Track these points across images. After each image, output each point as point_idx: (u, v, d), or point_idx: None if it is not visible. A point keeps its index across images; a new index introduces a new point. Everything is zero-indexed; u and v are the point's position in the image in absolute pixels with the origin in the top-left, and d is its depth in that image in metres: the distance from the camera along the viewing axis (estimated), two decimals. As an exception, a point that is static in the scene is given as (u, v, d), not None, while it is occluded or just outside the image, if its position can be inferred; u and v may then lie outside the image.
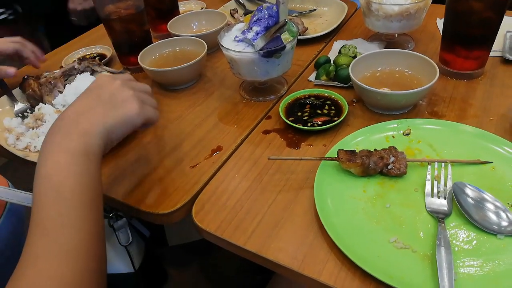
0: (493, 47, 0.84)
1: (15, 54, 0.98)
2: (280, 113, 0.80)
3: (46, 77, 0.93)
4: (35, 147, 0.78)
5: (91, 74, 0.95)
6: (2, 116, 0.88)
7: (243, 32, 0.82)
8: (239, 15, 1.24)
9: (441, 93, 0.83)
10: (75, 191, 0.50)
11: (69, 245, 0.46)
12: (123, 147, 0.79)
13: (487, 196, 0.58)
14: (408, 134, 0.73)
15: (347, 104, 0.79)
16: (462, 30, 0.83)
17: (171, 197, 0.68)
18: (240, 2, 1.29)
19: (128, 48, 1.03)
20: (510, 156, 0.65)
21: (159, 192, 0.69)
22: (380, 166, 0.64)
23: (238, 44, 0.82)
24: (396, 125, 0.74)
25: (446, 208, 0.59)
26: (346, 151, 0.65)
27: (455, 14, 0.82)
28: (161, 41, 1.01)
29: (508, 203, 0.59)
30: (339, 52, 0.96)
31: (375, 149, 0.66)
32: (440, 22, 1.06)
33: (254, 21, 0.81)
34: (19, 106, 0.92)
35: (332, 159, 0.66)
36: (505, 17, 0.79)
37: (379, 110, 0.80)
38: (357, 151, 0.66)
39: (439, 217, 0.58)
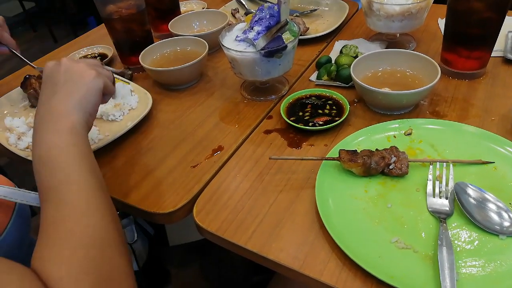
0: (495, 47, 0.84)
1: None
2: (281, 113, 0.80)
3: (47, 76, 0.92)
4: (36, 146, 0.78)
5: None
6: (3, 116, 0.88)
7: (244, 32, 0.82)
8: (240, 15, 1.24)
9: (442, 93, 0.83)
10: (75, 159, 0.54)
11: (81, 205, 0.51)
12: (123, 147, 0.80)
13: (489, 196, 0.58)
14: (410, 134, 0.72)
15: (348, 104, 0.79)
16: (463, 30, 0.83)
17: (172, 197, 0.68)
18: (241, 2, 1.29)
19: (129, 47, 1.03)
20: (512, 156, 0.65)
21: (160, 192, 0.69)
22: (381, 166, 0.64)
23: (239, 44, 0.82)
24: (397, 125, 0.74)
25: (447, 208, 0.59)
26: (347, 151, 0.65)
27: (456, 14, 0.82)
28: (162, 41, 1.01)
29: (510, 203, 0.58)
30: (341, 52, 0.96)
31: (376, 149, 0.66)
32: (441, 22, 1.06)
33: (256, 21, 0.81)
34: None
35: (333, 159, 0.66)
36: (506, 17, 0.79)
37: (380, 110, 0.80)
38: (358, 151, 0.66)
39: (441, 217, 0.57)
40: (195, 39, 0.99)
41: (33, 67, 0.95)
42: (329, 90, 0.84)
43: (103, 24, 1.03)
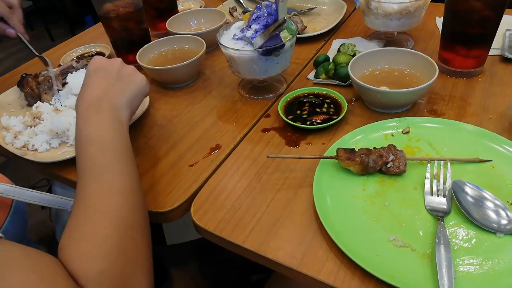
0: (492, 46, 0.84)
1: None
2: (279, 111, 0.79)
3: (44, 75, 0.92)
4: (33, 145, 0.78)
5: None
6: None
7: (242, 30, 0.82)
8: (238, 13, 1.24)
9: (440, 92, 0.83)
10: (116, 146, 0.59)
11: (117, 186, 0.54)
12: (121, 145, 0.79)
13: (487, 194, 0.58)
14: (408, 132, 0.72)
15: (346, 103, 0.79)
16: (461, 28, 0.83)
17: (170, 195, 0.67)
18: (239, 0, 1.29)
19: (126, 46, 1.02)
20: (510, 154, 0.65)
21: (157, 191, 0.69)
22: (379, 165, 0.64)
23: (237, 42, 0.81)
24: (395, 124, 0.74)
25: (445, 207, 0.59)
26: (345, 149, 0.65)
27: (454, 13, 0.82)
28: (159, 39, 1.01)
29: (507, 202, 0.59)
30: (338, 50, 0.96)
31: (374, 148, 0.66)
32: (439, 21, 1.06)
33: (253, 19, 0.81)
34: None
35: (331, 157, 0.66)
36: (504, 15, 0.79)
37: (378, 108, 0.80)
38: (356, 150, 0.66)
39: (439, 215, 0.57)
40: (193, 37, 0.99)
41: (38, 56, 0.94)
42: (327, 89, 0.84)
43: (100, 22, 1.03)
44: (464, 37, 0.83)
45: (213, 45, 1.04)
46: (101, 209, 0.51)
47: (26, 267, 0.42)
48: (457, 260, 0.52)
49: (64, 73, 0.95)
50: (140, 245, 0.53)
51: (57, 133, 0.79)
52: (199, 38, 0.97)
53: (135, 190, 0.57)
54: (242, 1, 1.28)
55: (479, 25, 0.81)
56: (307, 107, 0.81)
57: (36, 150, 0.78)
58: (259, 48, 0.77)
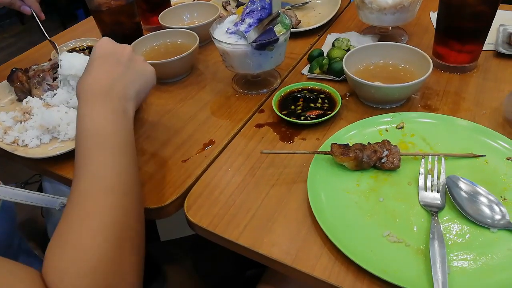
0: (486, 41, 0.84)
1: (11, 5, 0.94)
2: (273, 106, 0.79)
3: (34, 70, 0.91)
4: (23, 141, 0.77)
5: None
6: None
7: (236, 24, 0.81)
8: (232, 7, 1.22)
9: (434, 87, 0.83)
10: (116, 141, 0.56)
11: (112, 185, 0.52)
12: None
13: (480, 189, 0.58)
14: (402, 127, 0.72)
15: (340, 98, 0.78)
16: (455, 23, 0.82)
17: (163, 191, 0.67)
18: (232, -6, 1.28)
19: (118, 40, 0.99)
20: (503, 149, 0.65)
21: (150, 187, 0.68)
22: (373, 160, 0.64)
23: (231, 36, 0.81)
24: (389, 119, 0.74)
25: (439, 202, 0.59)
26: (339, 144, 0.65)
27: (448, 8, 0.82)
28: (152, 33, 0.99)
29: (501, 197, 0.59)
30: (333, 45, 0.95)
31: (368, 143, 0.66)
32: (433, 15, 1.06)
33: (247, 13, 0.80)
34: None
35: (325, 153, 0.66)
36: (498, 10, 0.79)
37: (372, 103, 0.79)
38: (350, 145, 0.65)
39: (433, 210, 0.57)
40: (186, 31, 0.98)
41: (49, 39, 0.93)
42: (321, 84, 0.83)
43: (92, 16, 1.01)
44: (458, 32, 0.83)
45: (206, 39, 1.03)
46: (93, 211, 0.49)
47: None
48: (451, 255, 0.52)
49: (54, 67, 0.93)
50: (130, 254, 0.50)
51: (47, 129, 0.77)
52: (192, 32, 0.96)
53: (132, 191, 0.54)
54: (235, -5, 1.27)
55: (473, 20, 0.81)
56: (301, 102, 0.80)
57: (26, 145, 0.77)
58: (253, 42, 0.77)
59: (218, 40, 0.79)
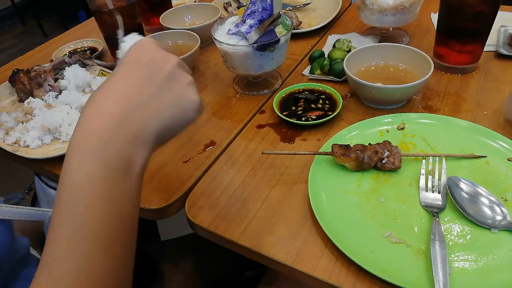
0: (487, 42, 0.84)
1: None
2: (274, 107, 0.79)
3: (36, 70, 0.91)
4: (24, 141, 0.77)
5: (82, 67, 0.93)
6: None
7: (237, 25, 0.81)
8: (233, 8, 1.23)
9: (435, 88, 0.83)
10: (97, 231, 0.37)
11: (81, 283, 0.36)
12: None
13: (481, 190, 0.58)
14: (403, 128, 0.72)
15: (341, 99, 0.78)
16: (456, 24, 0.82)
17: (164, 192, 0.67)
18: (233, -4, 1.28)
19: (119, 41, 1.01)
20: (504, 150, 0.65)
21: (151, 187, 0.68)
22: (374, 161, 0.64)
23: (232, 37, 0.81)
24: (390, 120, 0.74)
25: (440, 203, 0.59)
26: (340, 145, 0.65)
27: (449, 8, 0.82)
28: (153, 34, 0.99)
29: (502, 197, 0.59)
30: (333, 46, 0.96)
31: (369, 144, 0.66)
32: (434, 17, 1.06)
33: (248, 14, 0.80)
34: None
35: (326, 153, 0.66)
36: (499, 11, 0.79)
37: (373, 104, 0.79)
38: (351, 146, 0.65)
39: (434, 211, 0.57)
40: (187, 32, 0.98)
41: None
42: (322, 85, 0.83)
43: (93, 17, 1.01)
44: (459, 33, 0.83)
45: (207, 40, 1.03)
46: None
47: None
48: (452, 256, 0.52)
49: (56, 68, 0.94)
50: None
51: (49, 129, 0.78)
52: (193, 33, 0.96)
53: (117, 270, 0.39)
54: (236, -4, 1.27)
55: (474, 20, 0.81)
56: (302, 103, 0.80)
57: (28, 146, 0.77)
58: (254, 43, 0.77)
59: (219, 41, 0.79)
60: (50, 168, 0.74)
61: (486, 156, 0.65)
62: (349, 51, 0.90)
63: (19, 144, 0.77)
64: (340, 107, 0.77)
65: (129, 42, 0.60)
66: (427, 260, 0.52)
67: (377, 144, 0.66)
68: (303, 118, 0.76)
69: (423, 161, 0.65)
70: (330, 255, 0.55)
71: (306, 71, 0.92)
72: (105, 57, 1.09)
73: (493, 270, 0.50)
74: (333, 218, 0.58)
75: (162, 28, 1.06)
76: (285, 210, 0.62)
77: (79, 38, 1.14)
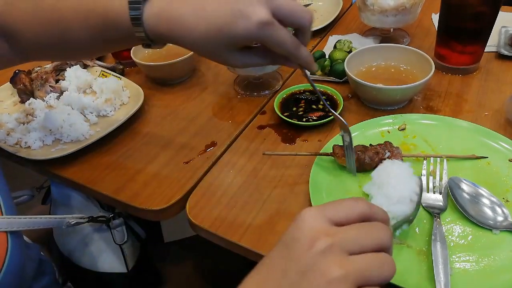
0: (488, 42, 0.84)
1: None
2: (275, 108, 0.79)
3: (37, 72, 0.91)
4: (25, 142, 0.77)
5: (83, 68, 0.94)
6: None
7: (238, 26, 0.81)
8: (234, 10, 1.23)
9: (436, 88, 0.83)
10: None
11: None
12: (114, 143, 0.78)
13: (483, 191, 0.58)
14: (404, 129, 0.72)
15: (342, 99, 0.78)
16: (457, 25, 0.82)
17: (165, 193, 0.67)
18: (234, -3, 1.28)
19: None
20: (505, 151, 0.65)
21: (152, 188, 0.68)
22: (375, 162, 0.64)
23: (233, 38, 0.81)
24: (391, 120, 0.74)
25: (441, 203, 0.59)
26: (341, 146, 0.65)
27: (450, 9, 0.82)
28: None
29: (503, 198, 0.59)
30: (334, 47, 0.96)
31: (370, 144, 0.66)
32: (435, 17, 1.06)
33: (249, 15, 0.80)
34: None
35: (327, 154, 0.66)
36: (500, 12, 0.79)
37: (374, 105, 0.79)
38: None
39: (435, 212, 0.57)
40: (188, 33, 0.98)
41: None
42: (323, 85, 0.83)
43: (94, 18, 1.01)
44: (460, 33, 0.83)
45: (208, 41, 1.03)
46: None
47: None
48: (453, 257, 0.52)
49: (57, 69, 0.94)
50: None
51: (50, 130, 0.78)
52: (194, 34, 0.96)
53: None
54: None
55: (475, 21, 0.81)
56: (303, 104, 0.80)
57: (29, 147, 0.77)
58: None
59: (220, 42, 0.79)
60: (51, 169, 0.74)
61: (487, 157, 0.65)
62: (350, 51, 0.90)
63: (20, 145, 0.77)
64: (341, 108, 0.77)
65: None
66: (428, 261, 0.51)
67: (378, 145, 0.66)
68: (304, 119, 0.76)
69: (424, 162, 0.64)
70: (331, 256, 0.55)
71: (307, 72, 0.92)
72: (106, 58, 1.09)
73: (495, 271, 0.50)
74: (334, 219, 0.58)
75: (163, 29, 1.06)
76: (286, 210, 0.62)
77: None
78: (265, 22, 0.46)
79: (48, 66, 0.93)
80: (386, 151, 0.65)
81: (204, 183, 0.68)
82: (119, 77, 0.91)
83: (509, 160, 0.64)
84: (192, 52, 0.89)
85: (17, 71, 0.92)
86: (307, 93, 0.83)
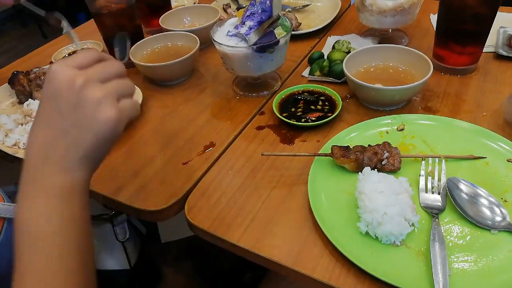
0: (487, 43, 0.84)
1: None
2: (274, 108, 0.79)
3: (35, 73, 0.91)
4: (24, 143, 0.77)
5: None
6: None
7: (236, 27, 0.81)
8: (232, 10, 1.23)
9: (434, 89, 0.83)
10: (56, 240, 0.43)
11: None
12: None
13: (481, 191, 0.58)
14: (402, 129, 0.72)
15: (341, 100, 0.78)
16: (455, 25, 0.83)
17: (163, 194, 0.67)
18: (233, -3, 1.28)
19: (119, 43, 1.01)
20: (504, 151, 0.65)
21: (150, 189, 0.68)
22: (374, 162, 0.64)
23: (231, 39, 0.81)
24: (390, 121, 0.74)
25: (440, 204, 0.59)
26: (340, 146, 0.65)
27: (448, 10, 0.82)
28: (153, 36, 1.00)
29: (501, 198, 0.59)
30: (333, 47, 0.96)
31: (369, 145, 0.66)
32: (433, 18, 1.06)
33: (247, 16, 0.80)
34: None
35: (326, 155, 0.66)
36: (498, 12, 0.79)
37: (373, 105, 0.79)
38: (351, 147, 0.65)
39: (433, 212, 0.57)
40: (186, 34, 0.98)
41: (47, 13, 0.91)
42: (322, 86, 0.83)
43: (92, 19, 1.01)
44: (458, 34, 0.83)
45: (207, 42, 1.03)
46: None
47: None
48: (451, 257, 0.52)
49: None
50: None
51: (48, 131, 0.78)
52: (192, 35, 0.96)
53: None
54: (236, -2, 1.28)
55: (473, 22, 0.81)
56: (301, 105, 0.80)
57: (27, 148, 0.77)
58: (253, 45, 0.77)
59: (218, 42, 0.80)
60: (49, 170, 0.74)
61: (485, 157, 0.65)
62: (348, 52, 0.90)
63: (18, 146, 0.77)
64: (340, 108, 0.77)
65: None
66: (427, 261, 0.52)
67: (377, 145, 0.66)
68: (303, 120, 0.76)
69: (423, 162, 0.65)
70: (330, 256, 0.55)
71: (305, 73, 0.92)
72: (104, 59, 1.09)
73: (493, 271, 0.50)
74: (333, 219, 0.58)
75: (162, 30, 1.06)
76: (285, 211, 0.62)
77: (79, 40, 1.14)
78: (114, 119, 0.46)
79: (47, 67, 0.93)
80: (385, 151, 0.65)
81: (202, 184, 0.68)
82: (118, 78, 0.91)
83: (508, 160, 0.64)
84: (191, 53, 0.89)
85: (15, 72, 0.92)
86: (305, 93, 0.83)
